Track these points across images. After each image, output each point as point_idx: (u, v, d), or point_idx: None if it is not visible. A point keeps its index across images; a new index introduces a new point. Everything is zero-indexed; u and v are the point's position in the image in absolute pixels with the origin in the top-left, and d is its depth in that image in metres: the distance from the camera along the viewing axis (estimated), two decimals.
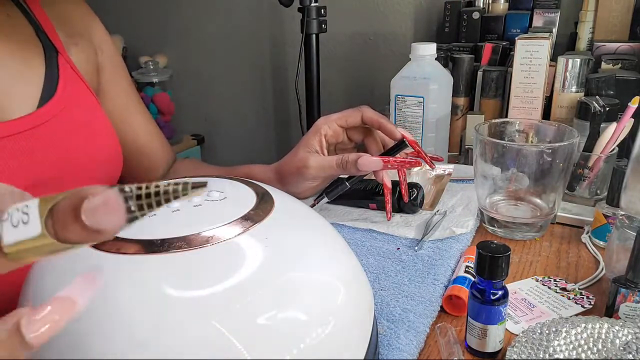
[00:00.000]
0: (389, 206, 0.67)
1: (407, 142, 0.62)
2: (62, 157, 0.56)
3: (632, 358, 0.39)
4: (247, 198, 0.37)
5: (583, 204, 0.70)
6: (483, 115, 0.92)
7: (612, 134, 0.67)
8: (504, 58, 1.03)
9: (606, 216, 0.61)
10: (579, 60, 0.82)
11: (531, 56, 0.83)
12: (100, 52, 0.68)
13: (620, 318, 0.46)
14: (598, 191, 0.71)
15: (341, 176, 0.82)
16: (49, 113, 0.55)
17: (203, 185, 0.21)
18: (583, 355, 0.41)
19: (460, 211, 0.70)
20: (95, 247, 0.31)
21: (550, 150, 0.61)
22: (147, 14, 1.86)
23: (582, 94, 0.83)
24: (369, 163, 0.56)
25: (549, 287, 0.54)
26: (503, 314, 0.43)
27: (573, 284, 0.55)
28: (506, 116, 0.90)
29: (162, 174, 0.76)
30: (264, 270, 0.31)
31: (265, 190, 0.39)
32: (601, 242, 0.62)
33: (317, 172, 0.58)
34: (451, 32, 1.19)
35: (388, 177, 0.63)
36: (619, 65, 0.91)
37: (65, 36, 0.62)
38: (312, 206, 0.67)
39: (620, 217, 0.54)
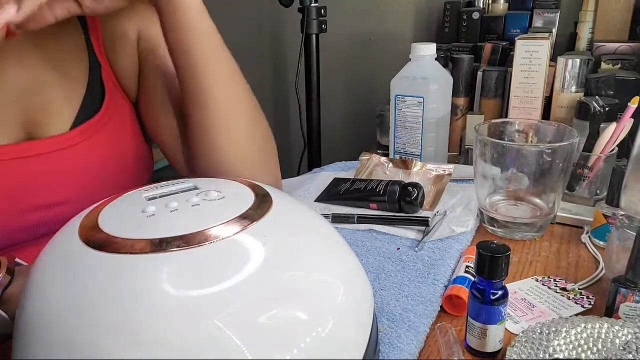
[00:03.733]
0: None
1: None
2: (92, 174, 0.57)
3: (632, 358, 0.39)
4: (245, 197, 0.37)
5: (583, 204, 0.70)
6: (483, 115, 0.92)
7: (611, 134, 0.67)
8: (504, 58, 1.03)
9: (606, 216, 0.61)
10: (578, 60, 0.82)
11: (531, 56, 0.83)
12: (143, 42, 0.63)
13: (620, 318, 0.46)
14: (598, 191, 0.71)
15: (339, 177, 0.83)
16: (85, 134, 0.56)
17: None
18: (583, 355, 0.41)
19: (460, 211, 0.70)
20: (94, 247, 0.31)
21: (550, 150, 0.61)
22: None
23: (582, 94, 0.83)
24: None
25: (549, 287, 0.54)
26: (503, 314, 0.43)
27: (573, 284, 0.55)
28: (506, 116, 0.90)
29: None
30: (263, 269, 0.31)
31: (264, 189, 0.39)
32: (601, 242, 0.62)
33: None
34: (451, 32, 1.19)
35: None
36: (619, 65, 0.91)
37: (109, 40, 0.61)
38: None
39: (620, 217, 0.54)
